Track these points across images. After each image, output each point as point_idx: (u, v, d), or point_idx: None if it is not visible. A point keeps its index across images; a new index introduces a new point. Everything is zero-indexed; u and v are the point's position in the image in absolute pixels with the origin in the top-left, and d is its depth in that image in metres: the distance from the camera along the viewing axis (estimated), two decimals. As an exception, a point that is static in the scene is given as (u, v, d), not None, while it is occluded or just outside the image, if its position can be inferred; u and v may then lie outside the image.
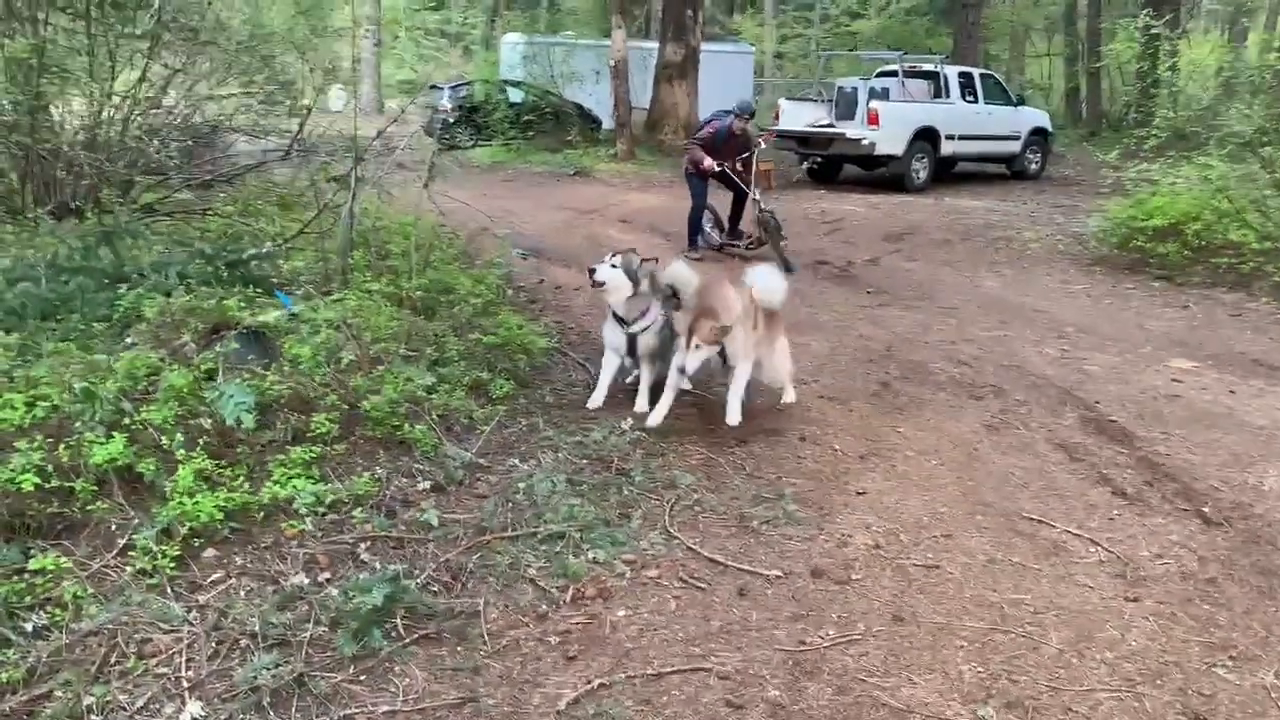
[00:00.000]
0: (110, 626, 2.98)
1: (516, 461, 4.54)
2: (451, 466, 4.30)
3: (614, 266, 5.34)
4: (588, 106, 22.73)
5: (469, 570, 3.54)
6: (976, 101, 17.07)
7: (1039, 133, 18.27)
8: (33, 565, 3.11)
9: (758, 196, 10.50)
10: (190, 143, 9.98)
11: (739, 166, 10.46)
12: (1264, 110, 9.16)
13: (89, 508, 3.45)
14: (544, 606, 3.37)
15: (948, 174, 17.34)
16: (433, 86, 24.62)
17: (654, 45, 23.36)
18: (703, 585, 3.58)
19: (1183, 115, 10.13)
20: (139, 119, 9.76)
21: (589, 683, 2.96)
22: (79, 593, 3.10)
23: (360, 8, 33.82)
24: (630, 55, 20.73)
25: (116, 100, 9.12)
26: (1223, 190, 9.15)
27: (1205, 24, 37.57)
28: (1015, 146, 17.91)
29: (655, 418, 5.15)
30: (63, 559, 3.17)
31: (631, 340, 5.42)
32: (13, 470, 3.35)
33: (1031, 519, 4.26)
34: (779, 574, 3.67)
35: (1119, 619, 3.46)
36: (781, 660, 3.11)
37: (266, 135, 11.12)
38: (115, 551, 3.33)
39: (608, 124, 21.61)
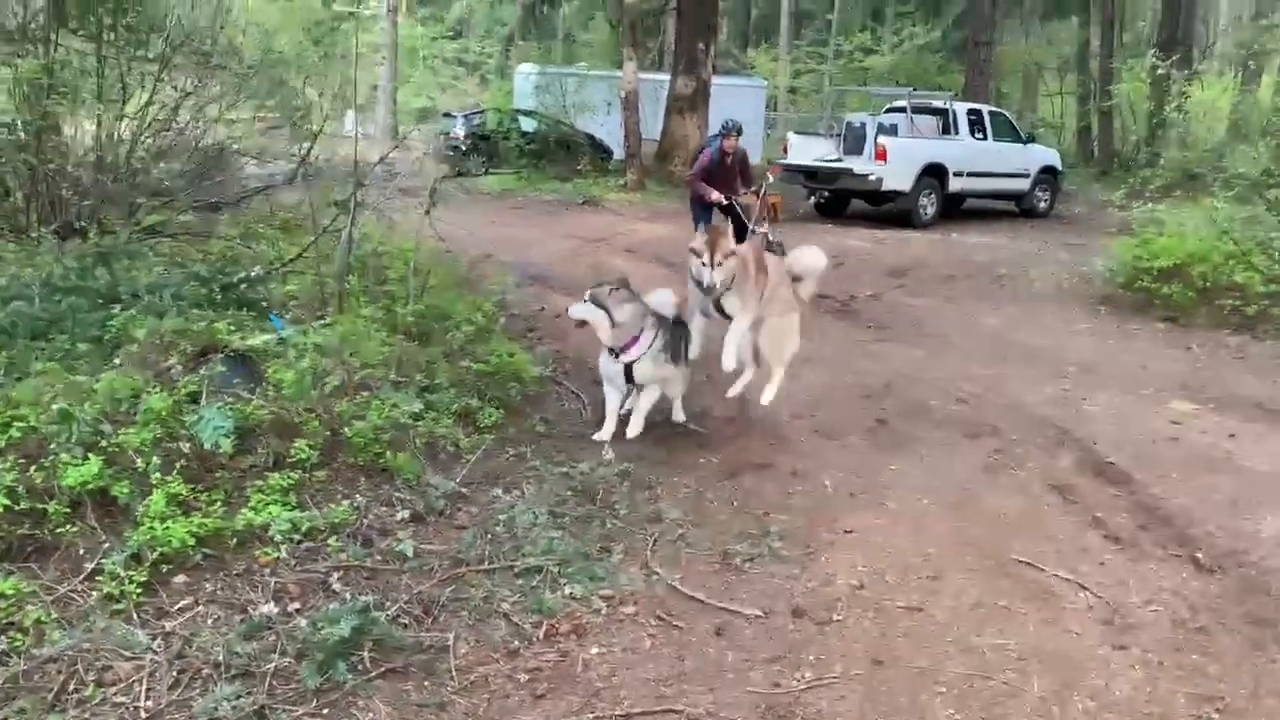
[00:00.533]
0: (71, 653, 2.94)
1: (500, 492, 4.50)
2: (433, 496, 4.26)
3: (586, 302, 5.37)
4: (599, 137, 22.84)
5: (441, 603, 3.49)
6: (985, 139, 17.06)
7: (1048, 171, 18.23)
8: (-1, 585, 3.07)
9: (762, 229, 10.56)
10: (197, 165, 10.03)
11: (742, 195, 10.51)
12: (1270, 152, 9.11)
13: (60, 530, 3.41)
14: (516, 642, 3.31)
15: (956, 210, 17.31)
16: (446, 114, 24.80)
17: (666, 77, 23.50)
18: (680, 624, 3.51)
19: (1189, 156, 10.08)
20: (148, 141, 9.84)
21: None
22: (42, 617, 3.06)
23: (377, 35, 34.22)
24: (642, 87, 20.84)
25: (125, 122, 9.19)
26: (1228, 232, 9.09)
27: (1219, 66, 37.64)
28: (1024, 184, 17.88)
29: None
30: (25, 583, 3.12)
31: (628, 369, 5.38)
32: (-16, 491, 3.32)
33: (1021, 562, 4.17)
34: (758, 613, 3.61)
35: (1104, 667, 3.38)
36: (754, 703, 3.05)
37: (275, 159, 11.20)
38: (83, 576, 3.29)
39: (619, 154, 21.69)
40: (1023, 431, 5.95)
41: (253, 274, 6.03)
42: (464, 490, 4.42)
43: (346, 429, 4.38)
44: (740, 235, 10.50)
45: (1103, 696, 3.19)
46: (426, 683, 3.06)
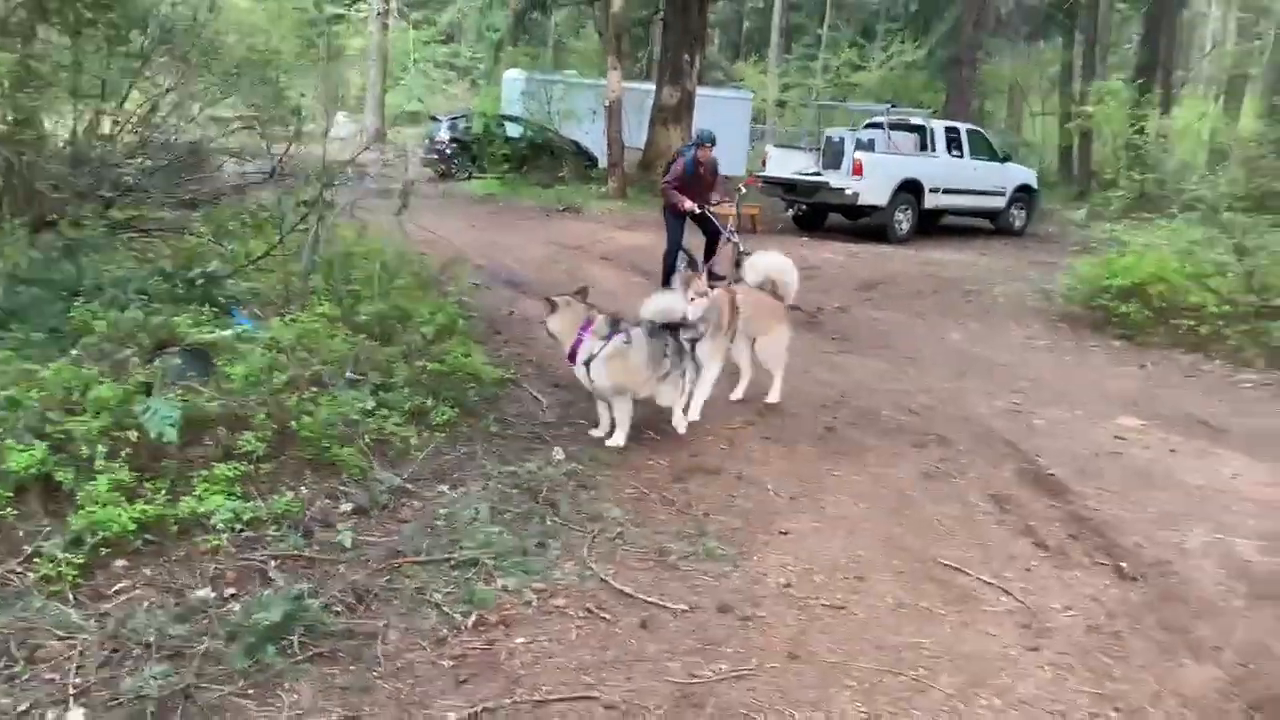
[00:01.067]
0: (5, 631, 3.03)
1: (445, 488, 4.60)
2: (377, 490, 4.36)
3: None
4: (584, 144, 22.98)
5: (375, 593, 3.59)
6: (962, 156, 17.28)
7: (1025, 189, 18.46)
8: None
9: (735, 238, 10.69)
10: (174, 162, 10.09)
11: (715, 204, 10.64)
12: (1228, 177, 9.31)
13: (1, 513, 3.50)
14: (444, 631, 3.41)
15: (933, 227, 17.51)
16: (432, 118, 24.92)
17: (652, 87, 23.68)
18: (606, 616, 3.62)
19: (1150, 178, 10.28)
20: (126, 136, 9.91)
21: (474, 707, 2.99)
22: (-18, 598, 3.15)
23: (367, 38, 34.33)
24: (628, 96, 20.99)
25: (103, 117, 9.27)
26: (1186, 253, 9.27)
27: (1203, 89, 38.06)
28: (1000, 202, 18.10)
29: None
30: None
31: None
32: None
33: (948, 566, 4.30)
34: (685, 608, 3.71)
35: (1014, 667, 3.50)
36: (670, 692, 3.15)
37: (254, 158, 11.28)
38: (21, 558, 3.38)
39: (604, 162, 21.85)
40: (969, 442, 6.09)
41: (210, 269, 6.10)
42: (409, 486, 4.52)
43: (295, 423, 4.46)
44: (712, 243, 10.67)
45: (1008, 695, 3.31)
46: (353, 668, 3.15)
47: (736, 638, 3.54)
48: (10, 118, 8.53)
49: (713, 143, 10.51)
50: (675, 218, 10.59)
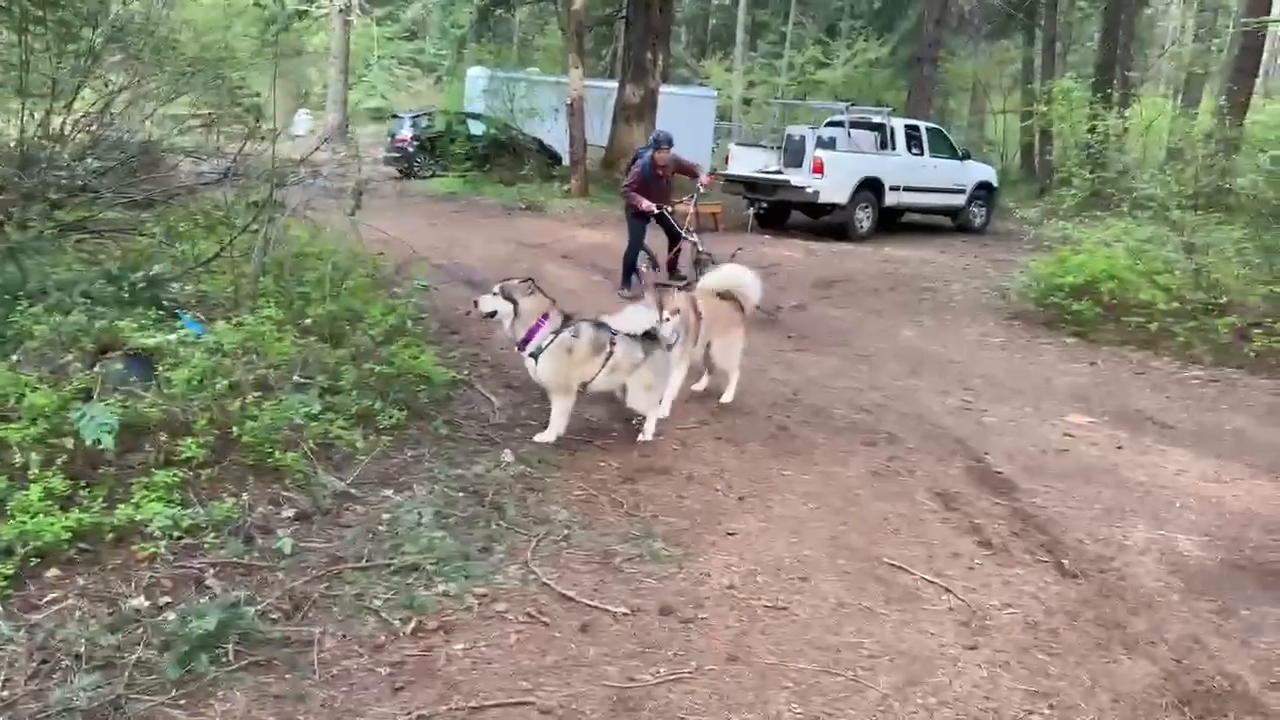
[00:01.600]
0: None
1: (390, 492, 4.57)
2: (320, 495, 4.33)
3: (495, 294, 5.55)
4: (547, 142, 22.93)
5: (313, 600, 3.56)
6: (922, 154, 17.41)
7: (984, 187, 18.64)
8: None
9: (694, 239, 10.79)
10: (124, 162, 9.96)
11: (677, 204, 10.84)
12: (1178, 175, 9.44)
13: (-68, 524, 3.45)
14: (382, 638, 3.39)
15: (893, 224, 17.64)
16: (393, 115, 24.77)
17: (615, 85, 23.68)
18: (547, 620, 3.61)
19: (1103, 177, 10.41)
20: (78, 136, 9.78)
21: (410, 714, 2.98)
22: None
23: (328, 35, 34.05)
24: (591, 94, 20.99)
25: (52, 117, 9.13)
26: (1136, 251, 9.40)
27: (1162, 88, 38.54)
28: (960, 200, 18.26)
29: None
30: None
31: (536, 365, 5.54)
32: None
33: (892, 565, 4.33)
34: (626, 611, 3.72)
35: (951, 665, 3.54)
36: (606, 696, 3.16)
37: (209, 157, 11.15)
38: (-50, 568, 3.33)
39: (567, 160, 21.82)
40: (919, 440, 6.14)
41: (156, 272, 6.03)
42: (354, 491, 4.49)
43: (238, 428, 4.43)
44: (673, 243, 10.73)
45: (944, 693, 3.35)
46: (288, 675, 3.13)
47: (677, 640, 3.55)
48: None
49: (669, 144, 10.53)
50: (636, 218, 10.69)
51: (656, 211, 10.51)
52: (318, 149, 8.86)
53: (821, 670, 3.41)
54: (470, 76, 27.16)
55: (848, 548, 4.49)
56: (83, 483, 3.83)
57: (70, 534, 3.53)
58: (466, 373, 6.75)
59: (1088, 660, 3.65)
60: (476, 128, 22.70)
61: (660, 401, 5.98)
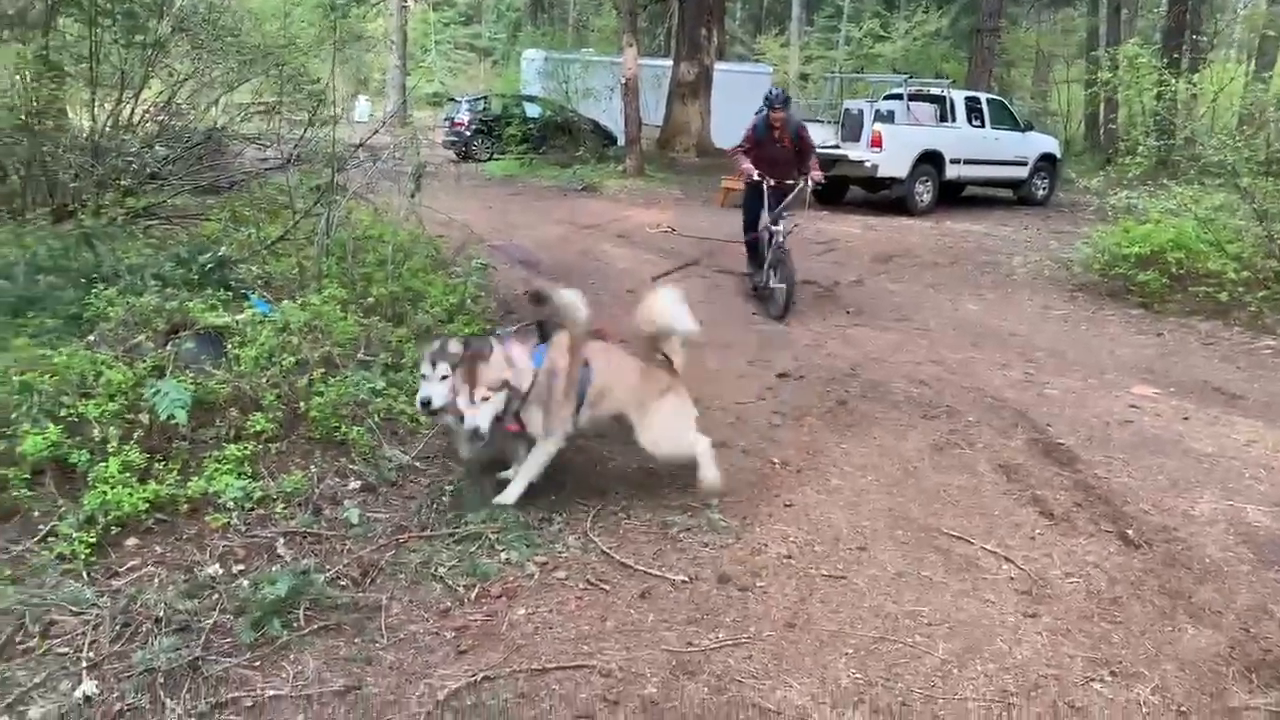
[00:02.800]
0: (19, 607, 3.13)
1: (452, 465, 4.66)
2: (385, 468, 4.43)
3: (445, 378, 4.04)
4: (603, 123, 22.97)
5: (380, 567, 3.67)
6: (983, 126, 17.10)
7: (1047, 158, 18.26)
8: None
9: (778, 229, 8.86)
10: (190, 149, 10.21)
11: (801, 177, 8.96)
12: (1251, 141, 9.18)
13: (18, 495, 3.60)
14: (447, 603, 3.48)
15: (954, 198, 17.38)
16: (450, 99, 24.98)
17: (670, 64, 23.63)
18: (606, 587, 3.68)
19: (1171, 144, 10.15)
20: (144, 125, 10.04)
21: (474, 676, 3.06)
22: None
23: (388, 21, 34.38)
24: (646, 73, 20.95)
25: (122, 106, 9.39)
26: (1205, 220, 9.17)
27: (1234, 53, 37.38)
28: (1022, 172, 17.92)
29: (509, 494, 4.29)
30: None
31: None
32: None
33: (952, 535, 4.32)
34: (684, 579, 3.77)
35: (1012, 633, 3.53)
36: (666, 660, 3.21)
37: (272, 143, 11.38)
38: (37, 538, 3.48)
39: (622, 140, 21.84)
40: (980, 413, 6.09)
41: (224, 254, 6.18)
42: (417, 464, 4.60)
43: (305, 404, 4.54)
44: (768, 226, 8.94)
45: (1003, 660, 3.34)
46: (357, 639, 3.23)
47: (735, 607, 3.59)
48: (31, 109, 8.67)
49: (785, 103, 8.99)
50: (749, 189, 9.27)
51: (757, 178, 8.95)
52: (377, 133, 8.97)
53: (880, 637, 3.43)
54: (526, 59, 27.30)
55: (906, 519, 4.49)
56: (158, 456, 3.97)
57: (148, 505, 3.66)
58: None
59: (1151, 629, 3.61)
60: (532, 110, 22.82)
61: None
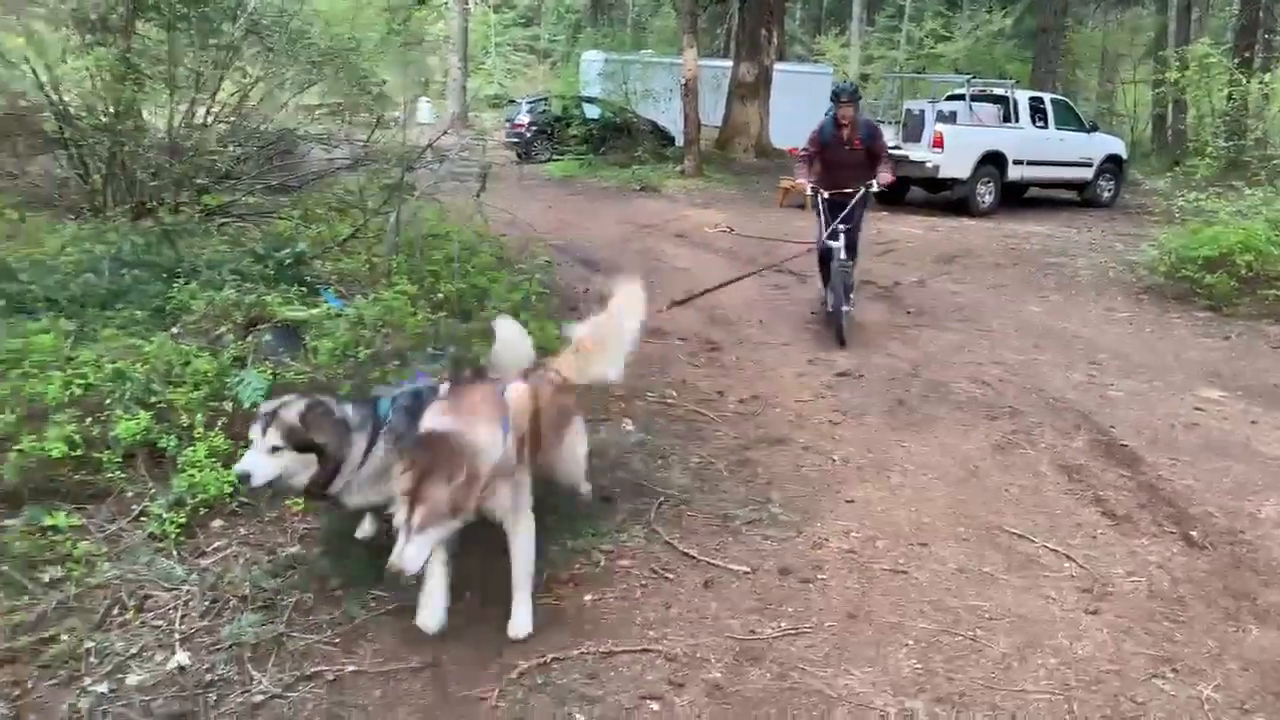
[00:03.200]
0: (116, 582, 3.31)
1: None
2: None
3: (277, 449, 3.27)
4: (662, 123, 23.07)
5: (453, 552, 3.78)
6: (1047, 127, 16.90)
7: (1113, 160, 17.98)
8: (46, 521, 3.45)
9: (838, 246, 7.79)
10: (261, 149, 10.49)
11: (873, 182, 7.86)
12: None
13: (112, 477, 3.79)
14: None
15: (1016, 200, 17.20)
16: (510, 101, 25.26)
17: (730, 64, 23.66)
18: (670, 576, 3.77)
19: (1240, 145, 9.98)
20: (218, 126, 10.34)
21: (543, 656, 3.17)
22: (94, 551, 3.43)
23: (448, 24, 34.81)
24: (705, 74, 21.01)
25: (197, 107, 9.70)
26: (1276, 222, 9.01)
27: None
28: (1087, 173, 17.67)
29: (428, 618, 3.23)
30: (74, 518, 3.50)
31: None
32: (46, 440, 3.70)
33: (1013, 534, 4.34)
34: (746, 570, 3.85)
35: (1073, 629, 3.55)
36: (729, 647, 3.29)
37: (339, 144, 11.65)
38: (130, 517, 3.66)
39: (681, 141, 21.92)
40: (1042, 414, 6.07)
41: (299, 251, 6.38)
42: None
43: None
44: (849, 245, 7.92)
45: (1064, 654, 3.37)
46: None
47: (797, 598, 3.66)
48: (111, 110, 8.99)
49: (853, 97, 7.92)
50: (824, 204, 7.98)
51: (809, 191, 8.22)
52: (444, 134, 9.17)
53: (941, 630, 3.48)
54: (585, 60, 27.49)
55: (968, 516, 4.51)
56: (241, 442, 4.13)
57: (232, 488, 3.82)
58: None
59: (1215, 629, 3.61)
60: (591, 111, 22.99)
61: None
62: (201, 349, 4.70)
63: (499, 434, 3.15)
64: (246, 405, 4.12)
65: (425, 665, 3.11)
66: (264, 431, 3.27)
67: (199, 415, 4.07)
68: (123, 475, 3.82)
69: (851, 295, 7.95)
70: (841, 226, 7.81)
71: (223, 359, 4.53)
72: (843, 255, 7.79)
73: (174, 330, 5.02)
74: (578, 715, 2.92)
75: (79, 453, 3.77)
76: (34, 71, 9.14)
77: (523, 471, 3.40)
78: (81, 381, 4.11)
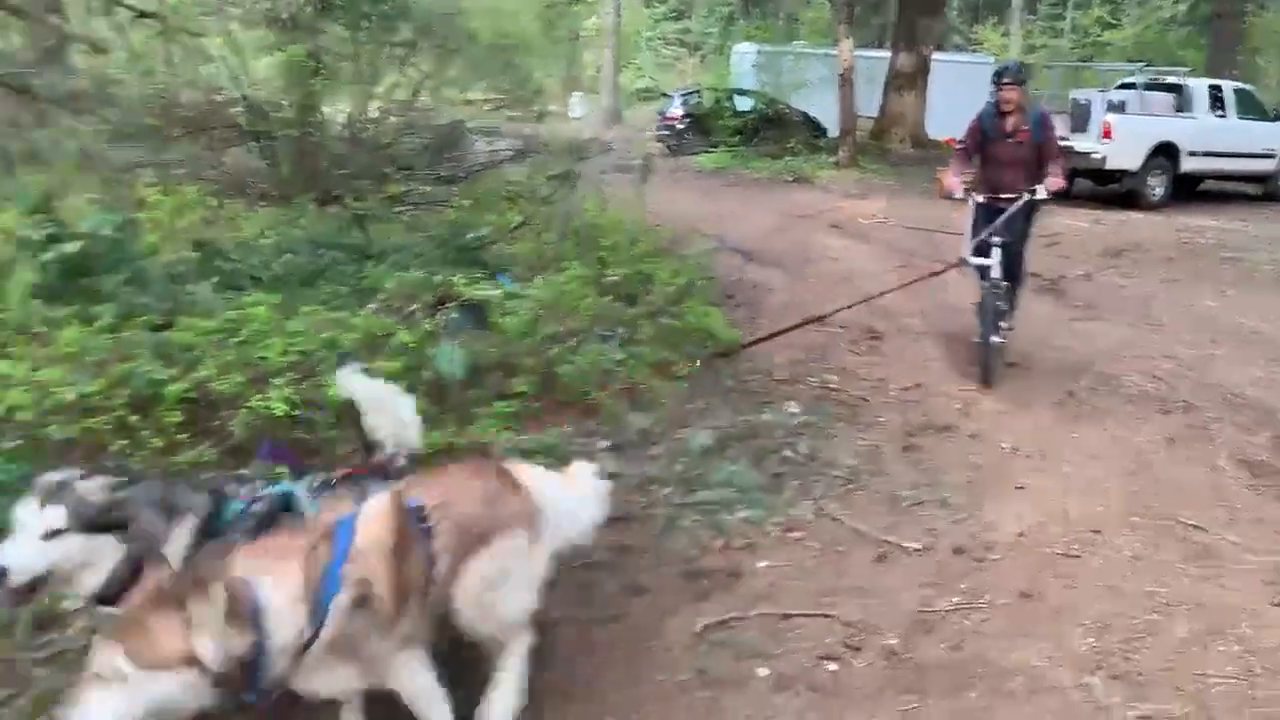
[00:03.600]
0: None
1: (689, 432, 4.97)
2: (629, 430, 4.79)
3: (56, 535, 2.40)
4: (813, 115, 22.92)
5: (632, 516, 4.00)
6: (1226, 116, 16.07)
7: (1298, 151, 16.95)
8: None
9: (989, 262, 6.36)
10: (435, 141, 11.01)
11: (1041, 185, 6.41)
12: None
13: (324, 436, 4.14)
14: (693, 552, 3.78)
15: (1188, 193, 16.42)
16: (663, 94, 25.54)
17: (886, 55, 23.32)
18: (841, 549, 3.89)
19: None
20: (394, 119, 10.92)
21: (723, 615, 3.35)
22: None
23: (601, 19, 35.37)
24: (861, 64, 20.75)
25: (376, 102, 10.28)
26: None
27: None
28: (1269, 165, 16.72)
29: None
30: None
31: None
32: (270, 400, 4.09)
33: (1190, 525, 4.27)
34: (918, 547, 3.93)
35: (1257, 620, 3.50)
36: (902, 616, 3.39)
37: (501, 136, 12.12)
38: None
39: (834, 132, 21.74)
40: (1219, 410, 5.89)
41: (478, 236, 6.74)
42: (656, 428, 4.93)
43: (557, 371, 4.97)
44: (1009, 270, 6.52)
45: (1248, 642, 3.34)
46: (614, 577, 3.57)
47: (970, 576, 3.72)
48: (297, 104, 9.61)
49: (1018, 77, 6.59)
50: (980, 207, 6.56)
51: (959, 194, 6.64)
52: (610, 128, 9.45)
53: (1117, 613, 3.49)
54: (737, 52, 27.50)
55: (1142, 506, 4.46)
56: (438, 408, 4.45)
57: (432, 449, 4.13)
58: (745, 332, 7.06)
59: None
60: (743, 103, 23.02)
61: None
62: (397, 324, 5.06)
63: (295, 603, 2.19)
64: (445, 375, 4.44)
65: (616, 616, 3.31)
66: (42, 505, 2.39)
67: (402, 383, 4.40)
68: (335, 434, 4.17)
69: (1005, 324, 6.48)
70: (996, 239, 6.34)
71: (418, 332, 4.87)
72: (995, 274, 6.35)
73: (371, 306, 5.41)
74: (759, 670, 3.08)
75: (296, 413, 4.14)
76: (229, 69, 9.86)
77: (411, 624, 2.42)
78: (296, 349, 4.50)
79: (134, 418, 3.88)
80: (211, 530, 2.59)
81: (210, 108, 10.22)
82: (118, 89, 10.25)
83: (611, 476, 4.21)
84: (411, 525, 2.43)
